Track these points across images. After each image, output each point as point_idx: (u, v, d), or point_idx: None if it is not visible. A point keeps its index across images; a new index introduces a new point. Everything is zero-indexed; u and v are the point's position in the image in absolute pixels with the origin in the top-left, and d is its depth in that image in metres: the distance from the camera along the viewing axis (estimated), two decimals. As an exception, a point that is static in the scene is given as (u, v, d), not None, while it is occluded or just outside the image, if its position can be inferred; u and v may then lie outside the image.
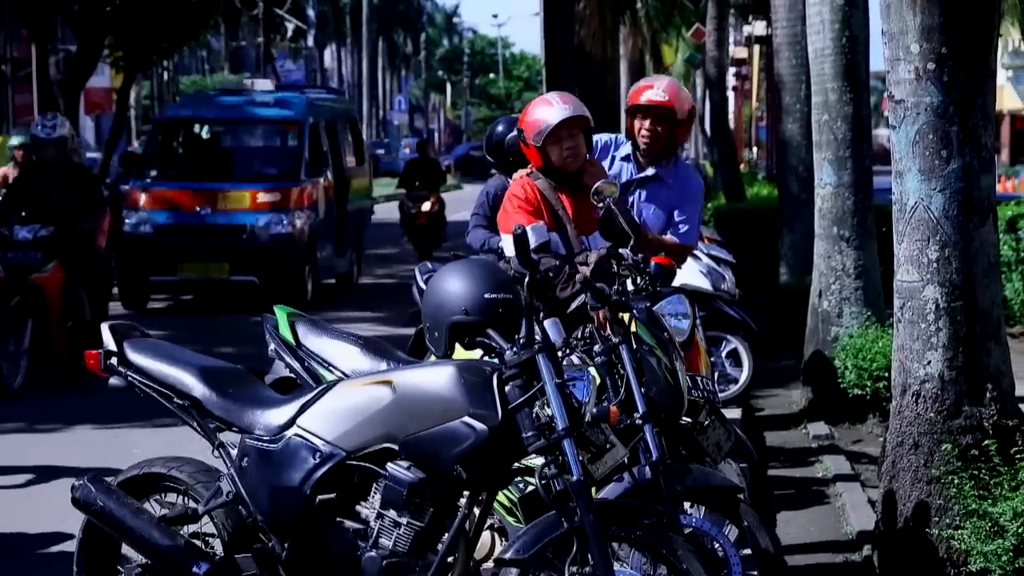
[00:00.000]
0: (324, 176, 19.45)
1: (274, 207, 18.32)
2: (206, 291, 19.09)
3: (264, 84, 22.74)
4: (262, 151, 21.63)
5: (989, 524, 6.08)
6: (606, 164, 7.23)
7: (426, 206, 24.85)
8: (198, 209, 18.31)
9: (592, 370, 5.51)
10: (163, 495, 5.59)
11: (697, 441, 6.23)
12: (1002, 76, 72.67)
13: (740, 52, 48.25)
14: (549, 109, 6.61)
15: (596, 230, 6.52)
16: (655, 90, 7.20)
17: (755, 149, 50.38)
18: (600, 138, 7.27)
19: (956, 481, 6.26)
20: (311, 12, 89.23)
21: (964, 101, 6.37)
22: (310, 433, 5.12)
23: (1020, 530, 6.00)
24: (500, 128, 8.57)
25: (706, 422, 6.20)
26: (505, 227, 6.55)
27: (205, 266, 18.10)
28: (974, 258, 6.42)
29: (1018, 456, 6.30)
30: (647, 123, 7.17)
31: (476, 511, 5.05)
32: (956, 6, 6.34)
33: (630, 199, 7.18)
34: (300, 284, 18.10)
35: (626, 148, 7.29)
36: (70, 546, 5.91)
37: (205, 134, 21.33)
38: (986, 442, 6.29)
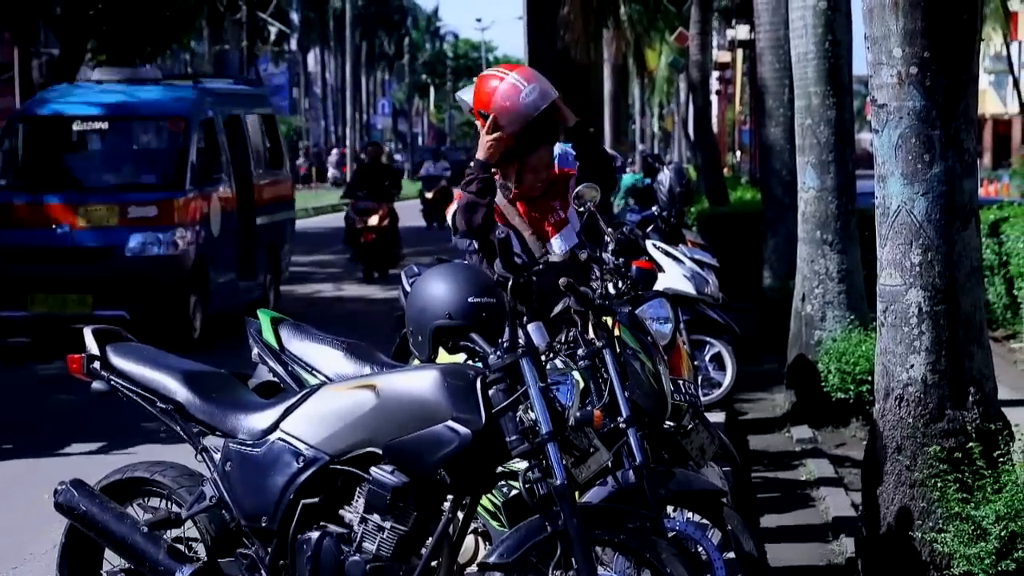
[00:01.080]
0: (221, 184, 16.33)
1: (150, 224, 15.13)
2: (66, 331, 14.32)
3: (149, 73, 18.59)
4: (138, 154, 17.30)
5: (972, 527, 6.09)
6: None
7: (373, 220, 21.89)
8: (55, 227, 15.13)
9: (576, 374, 5.51)
10: (146, 499, 5.58)
11: (681, 445, 6.24)
12: (984, 80, 72.83)
13: (723, 56, 48.30)
14: (526, 101, 6.54)
15: (553, 232, 6.61)
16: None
17: (738, 153, 50.45)
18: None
19: (939, 484, 6.27)
20: (294, 16, 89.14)
21: (947, 105, 6.38)
22: (293, 437, 5.12)
23: (1003, 533, 6.02)
24: None
25: (689, 426, 6.21)
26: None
27: (63, 298, 14.90)
28: (957, 262, 6.43)
29: (1001, 459, 6.31)
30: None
31: (460, 515, 5.05)
32: (938, 11, 6.35)
33: None
34: (183, 318, 15.16)
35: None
36: (52, 550, 5.90)
37: (71, 134, 17.15)
38: (969, 445, 6.30)
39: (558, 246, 6.57)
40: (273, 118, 19.18)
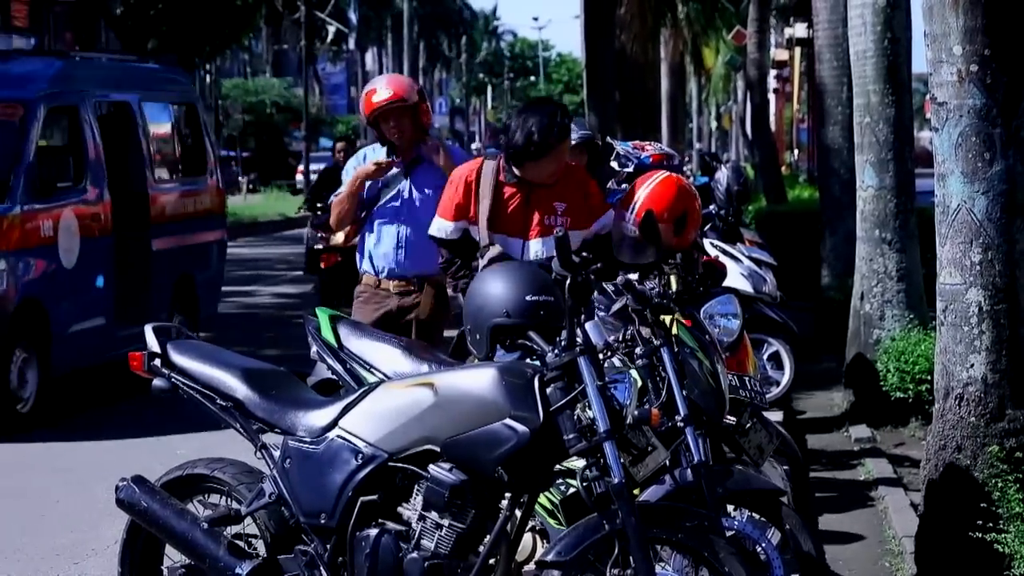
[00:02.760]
0: (82, 196, 12.12)
1: None
2: None
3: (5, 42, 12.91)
4: None
5: (1033, 527, 6.04)
6: None
7: (338, 238, 15.25)
8: None
9: (633, 372, 5.50)
10: (206, 496, 5.61)
11: (739, 443, 6.22)
12: (1045, 78, 72.26)
13: (781, 54, 48.13)
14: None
15: (538, 235, 6.85)
16: (379, 92, 7.78)
17: (796, 151, 50.25)
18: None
19: (1000, 484, 6.23)
20: (352, 15, 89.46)
21: (1007, 103, 6.34)
22: (352, 435, 5.13)
23: (1064, 534, 5.97)
24: None
25: (747, 424, 6.19)
26: (439, 209, 7.07)
27: None
28: (1018, 261, 6.39)
29: (1062, 460, 6.27)
30: (391, 124, 7.72)
31: (518, 513, 5.05)
32: (999, 8, 6.31)
33: (399, 190, 7.82)
34: None
35: (379, 152, 7.85)
36: (114, 547, 5.94)
37: None
38: (1030, 444, 6.25)
39: (535, 250, 6.83)
40: (195, 109, 14.90)
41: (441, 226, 7.01)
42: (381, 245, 7.80)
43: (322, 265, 16.44)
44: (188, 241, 13.85)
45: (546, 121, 6.78)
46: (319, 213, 16.66)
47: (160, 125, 14.10)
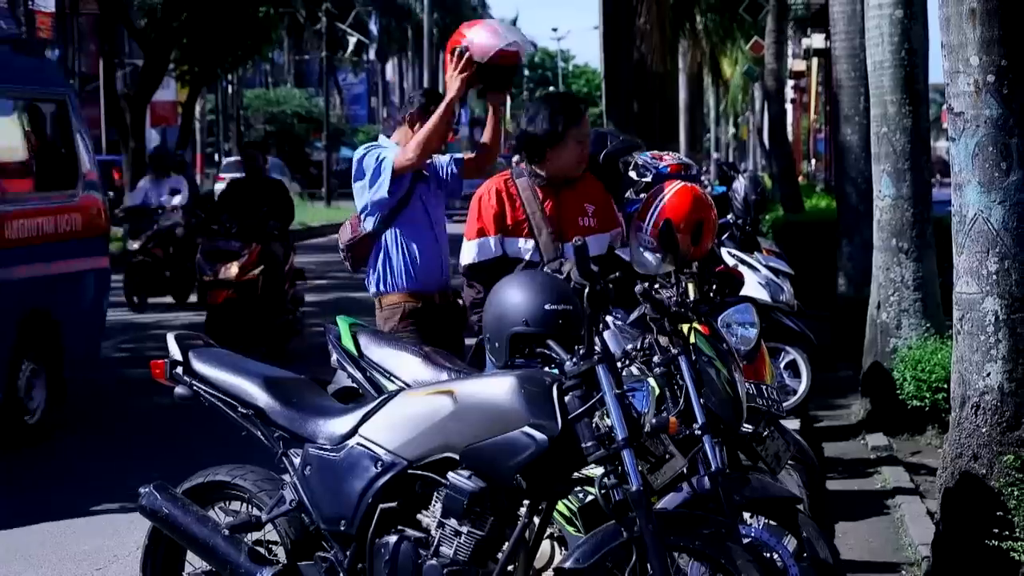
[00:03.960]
0: None
1: None
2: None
3: None
4: None
5: (1049, 536, 6.03)
6: None
7: (231, 270, 14.00)
8: None
9: (651, 381, 5.50)
10: (227, 503, 5.62)
11: (756, 451, 6.21)
12: (1062, 88, 72.10)
13: (799, 65, 48.11)
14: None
15: (573, 236, 6.59)
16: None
17: (813, 161, 50.20)
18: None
19: (1016, 493, 6.21)
20: (373, 26, 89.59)
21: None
22: (372, 442, 5.14)
23: (1080, 542, 5.95)
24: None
25: (764, 432, 6.18)
26: (468, 232, 6.75)
27: None
28: (1034, 270, 6.37)
29: (1079, 467, 6.25)
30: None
31: (536, 520, 5.05)
32: (1016, 19, 6.30)
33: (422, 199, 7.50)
34: None
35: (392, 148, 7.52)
36: (136, 553, 5.95)
37: None
38: (1046, 452, 6.24)
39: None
40: (65, 106, 11.65)
41: (482, 245, 6.68)
42: (422, 261, 7.39)
43: (208, 300, 14.12)
44: (42, 270, 10.83)
45: (558, 104, 6.76)
46: (211, 240, 14.49)
47: (8, 126, 11.13)
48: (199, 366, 5.59)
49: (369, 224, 7.46)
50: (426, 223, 7.47)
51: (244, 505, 5.57)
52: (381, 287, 7.46)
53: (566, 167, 6.76)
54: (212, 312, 14.23)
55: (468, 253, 6.72)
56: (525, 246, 6.66)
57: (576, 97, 7.08)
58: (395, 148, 7.47)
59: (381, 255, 7.46)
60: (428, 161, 7.50)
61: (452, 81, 7.27)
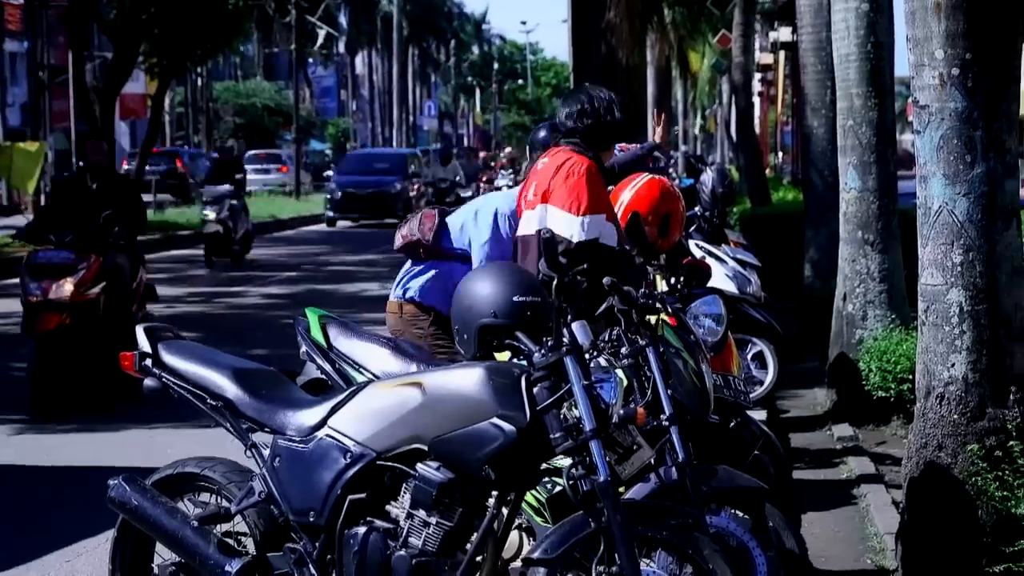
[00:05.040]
0: None
1: None
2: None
3: None
4: None
5: (1013, 526, 6.05)
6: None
7: (63, 289, 11.25)
8: None
9: (619, 372, 5.51)
10: (196, 494, 5.60)
11: (725, 439, 6.23)
12: (1026, 82, 72.42)
13: (766, 58, 48.18)
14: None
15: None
16: None
17: (780, 154, 50.30)
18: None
19: (980, 482, 6.24)
20: (343, 19, 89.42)
21: (988, 106, 6.35)
22: (341, 434, 5.13)
23: (1044, 531, 5.98)
24: (542, 134, 8.42)
25: (731, 424, 6.20)
26: (573, 205, 6.47)
27: None
28: (998, 262, 6.39)
29: (1042, 458, 6.27)
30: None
31: (504, 511, 5.05)
32: (980, 12, 6.32)
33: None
34: None
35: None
36: (105, 545, 5.93)
37: None
38: (1010, 443, 6.27)
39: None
40: None
41: (595, 223, 6.48)
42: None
43: (37, 328, 11.21)
44: None
45: (615, 93, 6.83)
46: (37, 252, 11.69)
47: None
48: (168, 358, 5.57)
49: (453, 242, 7.28)
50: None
51: (213, 497, 5.55)
52: (417, 297, 7.26)
53: (610, 156, 6.85)
54: (40, 342, 11.23)
55: (580, 229, 6.47)
56: (613, 233, 6.57)
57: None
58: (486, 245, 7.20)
59: (442, 274, 7.20)
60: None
61: None
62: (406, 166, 40.11)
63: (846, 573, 7.29)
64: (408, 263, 7.40)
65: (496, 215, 7.20)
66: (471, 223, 7.22)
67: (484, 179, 40.26)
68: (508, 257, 6.91)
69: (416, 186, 39.49)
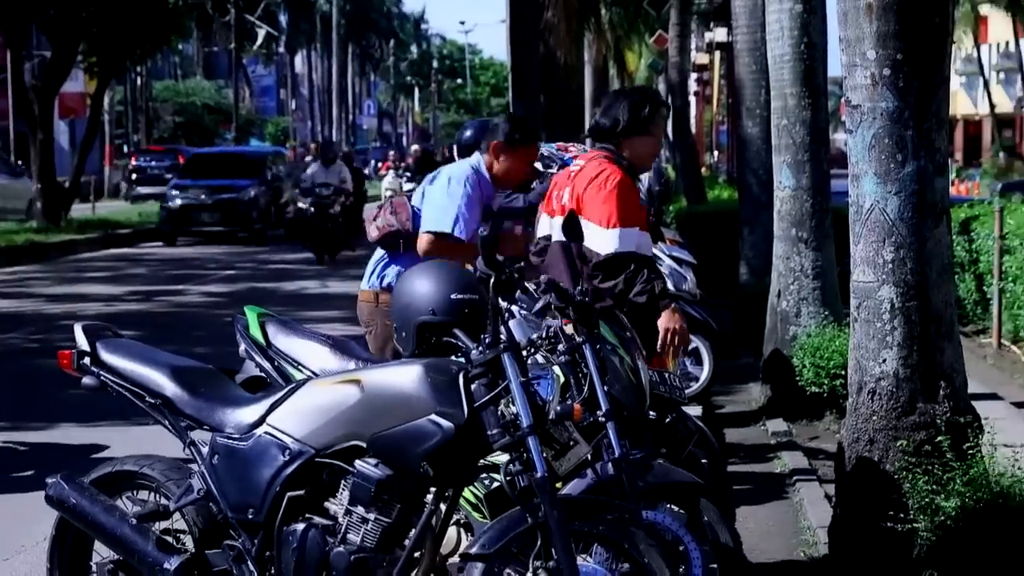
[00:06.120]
0: None
1: None
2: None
3: None
4: None
5: (942, 518, 6.10)
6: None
7: None
8: None
9: (556, 369, 5.50)
10: (135, 492, 5.57)
11: (662, 434, 6.24)
12: (956, 82, 73.07)
13: (702, 58, 48.41)
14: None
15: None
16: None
17: (716, 153, 50.52)
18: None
19: (910, 476, 6.28)
20: (283, 18, 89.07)
21: (919, 106, 6.39)
22: (280, 431, 5.11)
23: (971, 524, 6.03)
24: (468, 133, 8.44)
25: (667, 419, 6.21)
26: (608, 219, 6.45)
27: None
28: (928, 259, 6.44)
29: (970, 452, 6.33)
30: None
31: (443, 507, 5.04)
32: (911, 14, 6.36)
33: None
34: None
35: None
36: (43, 543, 5.88)
37: None
38: (939, 438, 6.31)
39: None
40: None
41: (628, 235, 6.46)
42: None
43: None
44: None
45: (650, 92, 6.80)
46: None
47: None
48: (107, 356, 5.53)
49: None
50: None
51: (152, 494, 5.52)
52: (379, 284, 7.49)
53: (642, 154, 6.73)
54: None
55: (608, 242, 6.45)
56: (646, 240, 6.55)
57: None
58: (464, 221, 7.34)
59: (406, 260, 7.27)
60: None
61: None
62: (264, 168, 33.31)
63: (780, 566, 7.32)
64: (379, 253, 7.51)
65: (449, 181, 7.40)
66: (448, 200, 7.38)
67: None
68: (468, 219, 7.21)
69: (284, 195, 32.85)
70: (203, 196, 30.78)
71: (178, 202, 30.74)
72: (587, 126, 35.74)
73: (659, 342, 6.32)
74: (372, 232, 7.50)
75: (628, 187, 6.56)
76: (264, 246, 29.65)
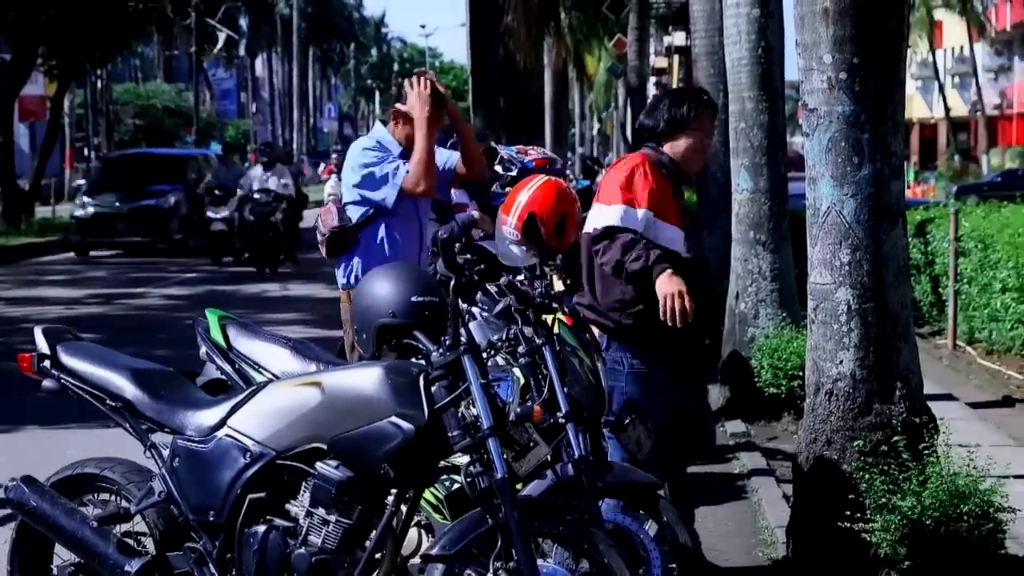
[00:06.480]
0: None
1: None
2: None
3: None
4: None
5: (898, 518, 6.13)
6: None
7: None
8: None
9: (516, 371, 5.52)
10: (96, 495, 5.54)
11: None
12: (911, 86, 73.50)
13: (660, 62, 48.53)
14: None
15: (686, 226, 6.43)
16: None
17: (675, 156, 50.54)
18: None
19: (867, 476, 6.31)
20: (243, 22, 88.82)
21: (875, 110, 6.42)
22: (241, 433, 5.09)
23: (928, 523, 6.07)
24: None
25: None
26: (609, 197, 6.34)
27: None
28: (884, 261, 6.47)
29: (926, 452, 6.36)
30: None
31: (403, 508, 5.04)
32: (867, 18, 6.39)
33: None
34: None
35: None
36: (3, 547, 5.84)
37: None
38: (895, 438, 6.34)
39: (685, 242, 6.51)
40: None
41: (628, 212, 6.30)
42: (403, 257, 7.14)
43: None
44: None
45: (692, 92, 6.63)
46: None
47: None
48: (67, 359, 5.51)
49: (355, 215, 7.29)
50: (414, 219, 7.35)
51: (113, 497, 5.50)
52: (354, 281, 7.30)
53: (687, 156, 6.53)
54: None
55: (609, 216, 6.33)
56: (677, 236, 6.39)
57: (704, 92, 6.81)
58: (403, 166, 7.23)
59: (362, 248, 7.30)
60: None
61: (418, 104, 7.16)
62: (186, 172, 29.73)
63: (738, 568, 7.35)
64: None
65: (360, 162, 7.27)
66: (356, 177, 7.29)
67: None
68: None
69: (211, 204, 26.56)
70: (118, 203, 27.78)
71: (90, 210, 27.73)
72: (547, 129, 35.71)
73: (660, 309, 6.18)
74: (322, 248, 7.48)
75: (644, 174, 6.39)
76: (187, 257, 26.97)
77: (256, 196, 23.10)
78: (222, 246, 25.11)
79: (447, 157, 7.51)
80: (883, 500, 6.20)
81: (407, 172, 7.16)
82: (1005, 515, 6.24)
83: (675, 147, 6.49)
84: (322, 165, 64.01)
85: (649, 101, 6.78)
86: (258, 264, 23.01)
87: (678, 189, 6.58)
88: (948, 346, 14.59)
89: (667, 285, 6.14)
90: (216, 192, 25.52)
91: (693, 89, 6.72)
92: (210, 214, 25.29)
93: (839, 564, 6.38)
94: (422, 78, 7.24)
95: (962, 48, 72.84)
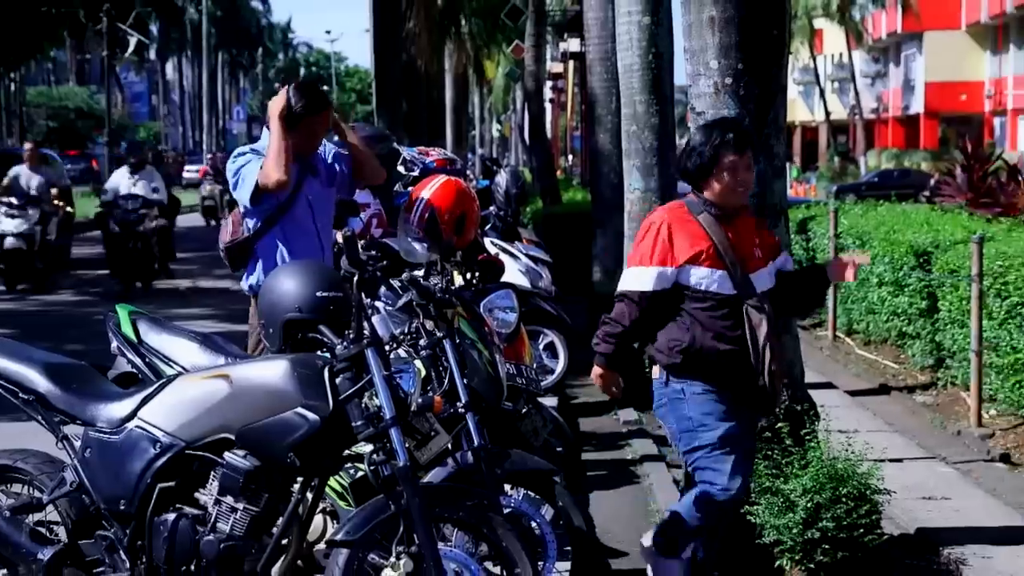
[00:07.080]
0: None
1: None
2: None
3: None
4: None
5: (781, 500, 6.19)
6: None
7: None
8: None
9: (418, 363, 5.51)
10: (8, 486, 5.47)
11: (516, 427, 6.26)
12: (793, 91, 74.24)
13: (556, 67, 48.62)
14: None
15: (759, 267, 5.89)
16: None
17: (570, 157, 50.79)
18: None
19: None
20: (154, 27, 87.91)
21: (759, 113, 6.48)
22: (151, 425, 5.05)
23: (808, 505, 6.14)
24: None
25: (524, 410, 6.24)
26: (640, 258, 5.93)
27: None
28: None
29: (807, 437, 6.43)
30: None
31: (309, 496, 5.02)
32: (751, 27, 6.45)
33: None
34: None
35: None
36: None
37: None
38: (779, 425, 6.40)
39: (764, 282, 5.95)
40: None
41: (661, 275, 5.84)
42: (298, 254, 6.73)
43: None
44: None
45: (714, 131, 5.85)
46: None
47: None
48: (-21, 354, 5.42)
49: (250, 224, 6.85)
50: (309, 224, 6.82)
51: (26, 487, 5.43)
52: (257, 284, 6.79)
53: (726, 195, 5.83)
54: None
55: (644, 280, 5.93)
56: (711, 276, 5.76)
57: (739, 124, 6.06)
58: (257, 163, 6.78)
59: (260, 259, 6.87)
60: (316, 153, 6.91)
61: (273, 104, 6.73)
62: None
63: (631, 550, 7.38)
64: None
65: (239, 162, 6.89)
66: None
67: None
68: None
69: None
70: None
71: None
72: (448, 131, 35.60)
73: None
74: (226, 260, 7.11)
75: (656, 231, 5.86)
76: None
77: (122, 203, 19.21)
78: (17, 268, 19.88)
79: (332, 157, 7.13)
80: (767, 484, 6.26)
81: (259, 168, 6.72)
82: (881, 496, 6.33)
83: (711, 189, 5.83)
84: (197, 167, 62.80)
85: (684, 141, 6.18)
86: (125, 280, 19.11)
87: (744, 224, 5.94)
88: (828, 337, 14.76)
89: (593, 371, 6.32)
90: (12, 201, 20.00)
91: (719, 123, 5.98)
92: (2, 228, 19.78)
93: (724, 544, 6.42)
94: (287, 86, 6.94)
95: (841, 55, 73.72)
